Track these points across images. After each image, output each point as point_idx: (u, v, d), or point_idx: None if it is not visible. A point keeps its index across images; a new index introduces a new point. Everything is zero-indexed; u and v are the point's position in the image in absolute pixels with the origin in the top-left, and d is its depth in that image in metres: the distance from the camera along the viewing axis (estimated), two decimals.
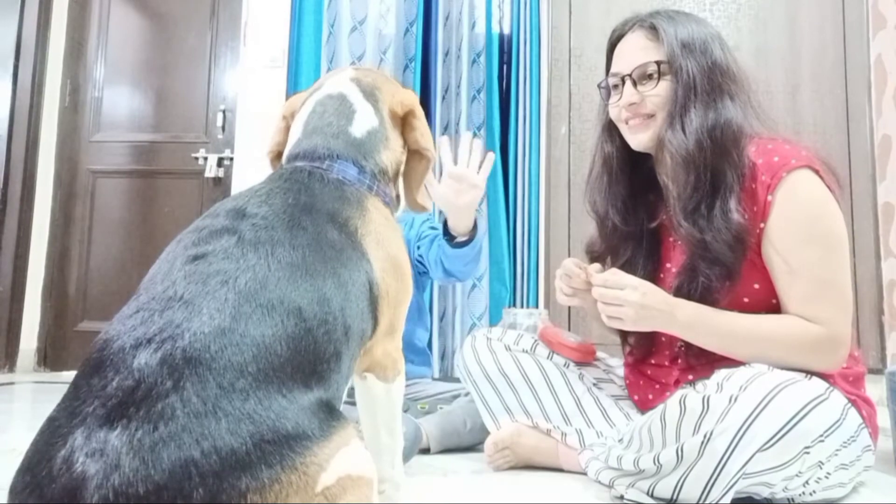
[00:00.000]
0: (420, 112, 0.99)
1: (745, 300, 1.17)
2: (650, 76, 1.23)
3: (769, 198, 1.13)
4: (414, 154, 1.00)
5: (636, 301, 1.12)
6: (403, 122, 0.98)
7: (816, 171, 1.14)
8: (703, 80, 1.19)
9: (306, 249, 0.74)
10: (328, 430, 0.64)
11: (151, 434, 0.55)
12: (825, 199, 1.14)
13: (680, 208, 1.19)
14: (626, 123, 1.27)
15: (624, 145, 1.32)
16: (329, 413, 0.66)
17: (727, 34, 2.39)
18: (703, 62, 1.20)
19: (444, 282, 1.68)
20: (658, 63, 1.22)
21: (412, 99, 0.99)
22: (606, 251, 1.37)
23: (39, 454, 0.57)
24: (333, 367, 0.71)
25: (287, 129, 0.98)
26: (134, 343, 0.61)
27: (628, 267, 1.27)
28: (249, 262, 0.70)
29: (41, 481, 0.55)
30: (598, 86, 1.35)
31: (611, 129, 1.34)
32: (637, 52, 1.25)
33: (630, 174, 1.34)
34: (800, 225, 1.12)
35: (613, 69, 1.30)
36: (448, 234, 1.51)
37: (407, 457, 1.28)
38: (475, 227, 1.51)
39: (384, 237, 0.85)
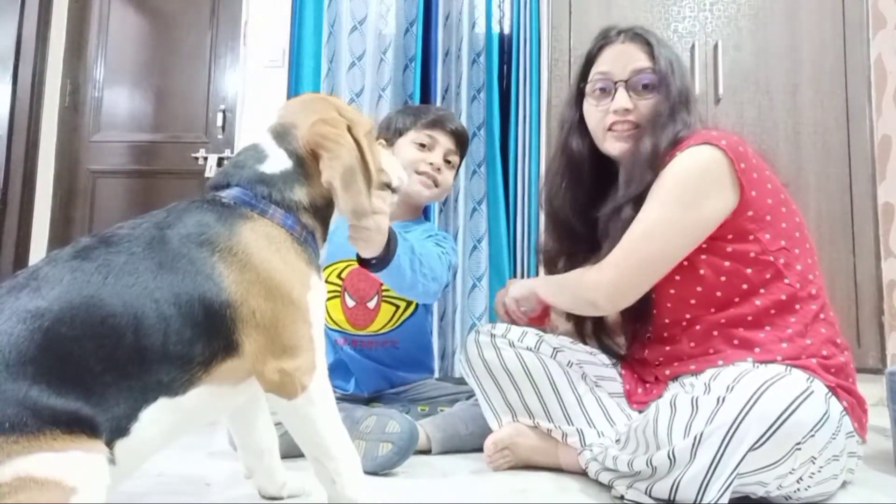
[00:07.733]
0: (329, 142, 0.97)
1: (692, 301, 1.23)
2: (645, 87, 1.30)
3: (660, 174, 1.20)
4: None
5: (512, 296, 1.42)
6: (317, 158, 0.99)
7: (719, 147, 1.16)
8: (681, 100, 1.28)
9: (109, 269, 0.81)
10: (37, 431, 0.69)
11: None
12: (704, 168, 1.17)
13: (623, 202, 1.26)
14: (610, 129, 1.31)
15: (592, 147, 1.37)
16: (66, 422, 0.71)
17: (727, 34, 2.39)
18: (682, 84, 1.30)
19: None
20: (657, 74, 1.28)
21: (318, 133, 0.98)
22: (561, 252, 1.43)
23: None
24: (111, 380, 0.76)
25: None
26: None
27: (583, 264, 1.32)
28: (64, 271, 0.79)
29: None
30: (577, 84, 1.39)
31: (581, 129, 1.39)
32: (634, 60, 1.31)
33: (594, 177, 1.38)
34: (661, 186, 1.19)
35: (604, 70, 1.33)
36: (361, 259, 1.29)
37: (402, 456, 1.27)
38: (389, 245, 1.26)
39: (256, 260, 0.89)
